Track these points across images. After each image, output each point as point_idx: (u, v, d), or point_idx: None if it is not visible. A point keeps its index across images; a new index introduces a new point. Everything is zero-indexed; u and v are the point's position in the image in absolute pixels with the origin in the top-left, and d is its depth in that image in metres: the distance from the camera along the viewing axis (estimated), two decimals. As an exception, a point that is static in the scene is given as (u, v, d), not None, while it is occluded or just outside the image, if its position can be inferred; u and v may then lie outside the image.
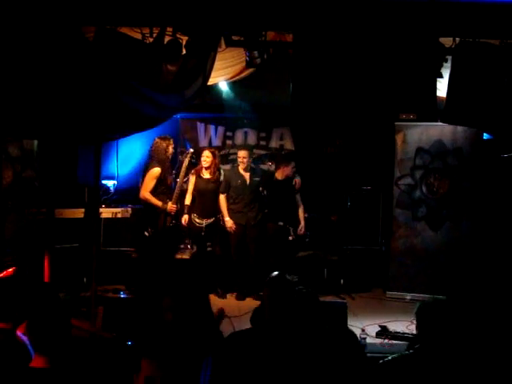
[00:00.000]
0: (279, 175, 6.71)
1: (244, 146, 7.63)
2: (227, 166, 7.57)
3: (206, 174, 6.64)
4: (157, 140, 6.46)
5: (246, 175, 6.72)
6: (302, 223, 6.75)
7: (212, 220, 6.61)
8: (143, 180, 6.37)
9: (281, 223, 6.62)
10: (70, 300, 5.58)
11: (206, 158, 6.59)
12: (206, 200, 6.63)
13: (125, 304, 4.89)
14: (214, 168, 6.65)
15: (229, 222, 6.60)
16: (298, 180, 6.75)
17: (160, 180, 6.32)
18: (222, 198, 6.66)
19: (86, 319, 5.08)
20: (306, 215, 6.86)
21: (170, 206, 6.30)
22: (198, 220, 6.58)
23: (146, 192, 6.31)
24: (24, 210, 6.11)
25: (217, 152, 6.83)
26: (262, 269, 6.50)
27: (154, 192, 6.31)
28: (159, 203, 6.28)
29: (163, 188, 6.38)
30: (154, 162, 6.35)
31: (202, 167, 6.64)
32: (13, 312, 2.67)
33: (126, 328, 4.11)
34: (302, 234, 6.77)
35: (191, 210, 6.65)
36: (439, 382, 2.57)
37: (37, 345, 2.27)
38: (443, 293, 6.14)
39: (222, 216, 6.68)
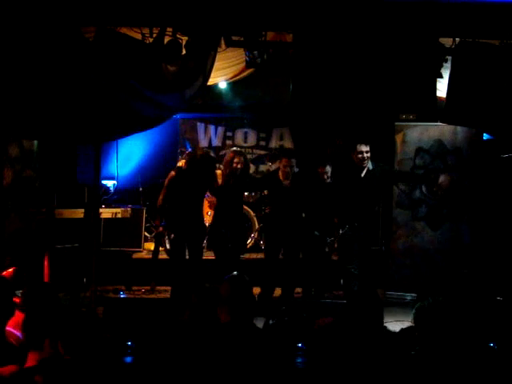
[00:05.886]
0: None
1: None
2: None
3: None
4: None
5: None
6: None
7: None
8: None
9: (316, 233, 6.07)
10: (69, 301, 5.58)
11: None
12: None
13: (125, 304, 4.87)
14: None
15: None
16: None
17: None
18: None
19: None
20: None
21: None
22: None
23: (160, 197, 5.72)
24: (24, 210, 6.11)
25: None
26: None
27: (167, 199, 5.69)
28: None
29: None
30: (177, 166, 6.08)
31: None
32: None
33: (127, 328, 4.10)
34: None
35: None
36: (441, 382, 2.58)
37: (32, 343, 2.28)
38: (443, 293, 6.14)
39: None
